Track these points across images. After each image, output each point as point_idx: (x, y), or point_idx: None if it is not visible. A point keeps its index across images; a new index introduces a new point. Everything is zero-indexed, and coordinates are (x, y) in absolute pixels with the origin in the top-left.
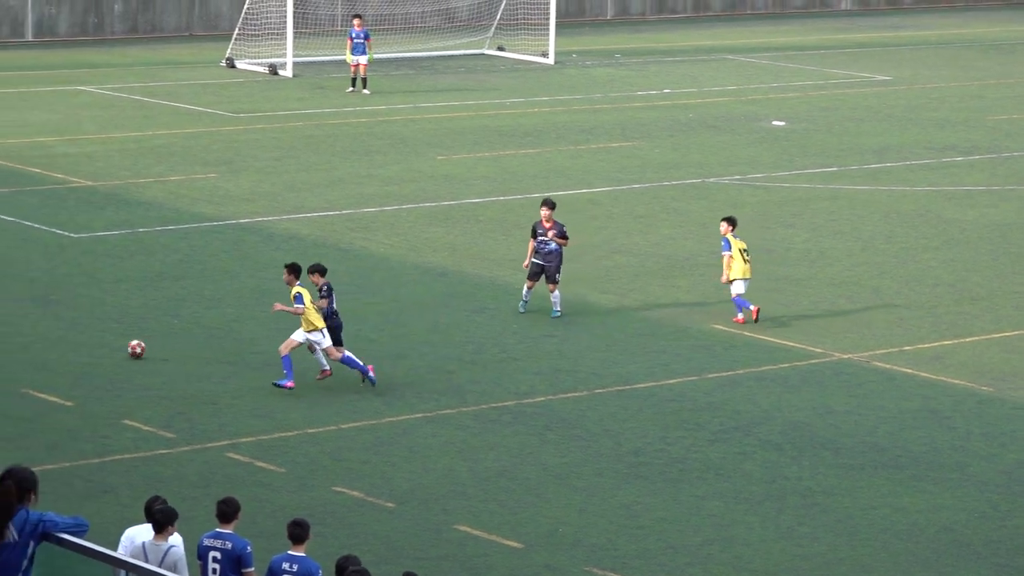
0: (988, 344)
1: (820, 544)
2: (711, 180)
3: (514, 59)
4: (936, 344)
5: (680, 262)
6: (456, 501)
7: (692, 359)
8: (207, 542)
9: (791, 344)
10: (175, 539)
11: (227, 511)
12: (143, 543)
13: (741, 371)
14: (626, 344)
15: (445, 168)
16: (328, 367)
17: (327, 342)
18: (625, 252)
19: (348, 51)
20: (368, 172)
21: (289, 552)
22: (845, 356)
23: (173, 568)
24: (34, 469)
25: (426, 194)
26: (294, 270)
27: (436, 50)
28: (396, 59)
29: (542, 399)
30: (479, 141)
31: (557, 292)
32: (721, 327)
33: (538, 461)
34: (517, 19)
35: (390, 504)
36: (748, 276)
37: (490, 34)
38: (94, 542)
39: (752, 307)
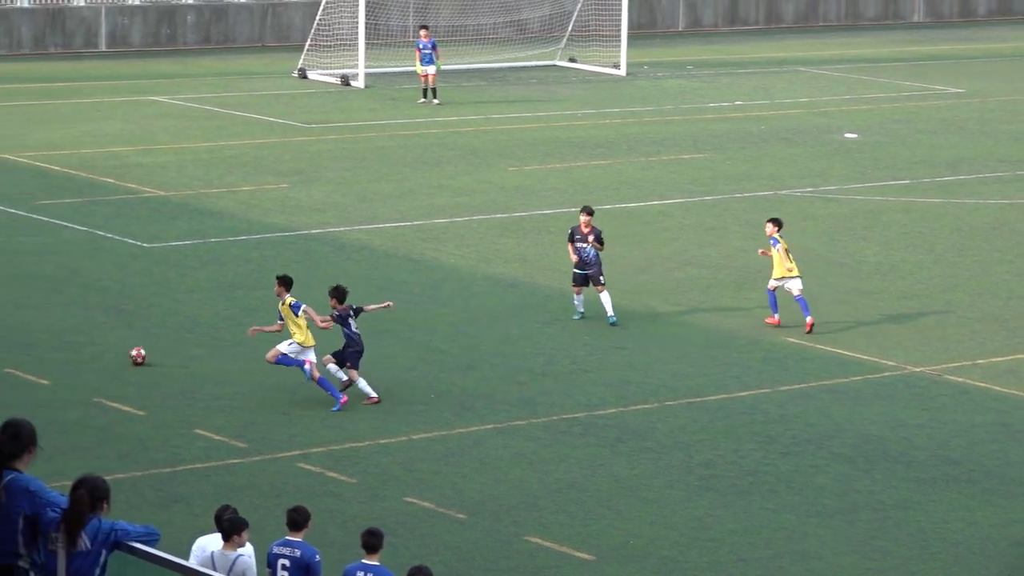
0: None
1: (892, 558)
2: (783, 192)
3: (586, 70)
4: (1010, 357)
5: (752, 274)
6: (527, 512)
7: (764, 371)
8: (276, 550)
9: (863, 357)
10: (245, 548)
11: (297, 519)
12: (212, 552)
13: (813, 384)
14: (697, 356)
15: (516, 179)
16: (374, 394)
17: (306, 355)
18: (696, 264)
19: (417, 62)
20: (439, 183)
21: (363, 561)
22: (917, 369)
23: None
24: (106, 478)
25: (497, 205)
26: (284, 282)
27: (507, 61)
28: (467, 70)
29: (613, 411)
30: (550, 152)
31: (606, 294)
32: (793, 339)
33: (609, 473)
34: (589, 30)
35: (461, 515)
36: (787, 276)
37: (562, 45)
38: (165, 551)
39: (808, 317)
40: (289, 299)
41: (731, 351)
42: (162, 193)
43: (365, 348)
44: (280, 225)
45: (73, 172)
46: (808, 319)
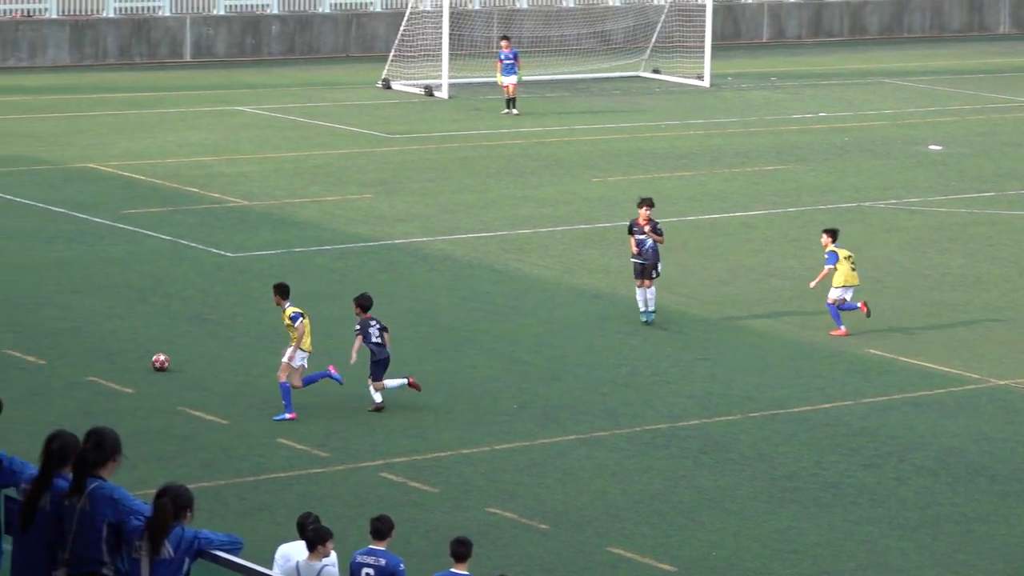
0: None
1: (976, 572)
2: (867, 204)
3: (669, 81)
4: None
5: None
6: (609, 523)
7: (847, 383)
8: (360, 559)
9: (946, 370)
10: (330, 558)
11: (381, 528)
12: (297, 563)
13: (896, 396)
14: (781, 367)
15: (600, 190)
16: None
17: (300, 362)
18: (780, 275)
19: (498, 72)
20: (523, 193)
21: (451, 570)
22: (1002, 382)
23: None
24: (190, 487)
25: (580, 216)
26: (280, 290)
27: (591, 72)
28: (551, 81)
29: (696, 422)
30: (633, 163)
31: (652, 290)
32: (876, 351)
33: (692, 484)
34: (673, 41)
35: (544, 525)
36: (855, 283)
37: (645, 56)
38: (248, 560)
39: (859, 304)
40: (289, 309)
41: (814, 363)
42: (246, 203)
43: (391, 358)
44: (364, 235)
45: (158, 181)
46: (842, 328)
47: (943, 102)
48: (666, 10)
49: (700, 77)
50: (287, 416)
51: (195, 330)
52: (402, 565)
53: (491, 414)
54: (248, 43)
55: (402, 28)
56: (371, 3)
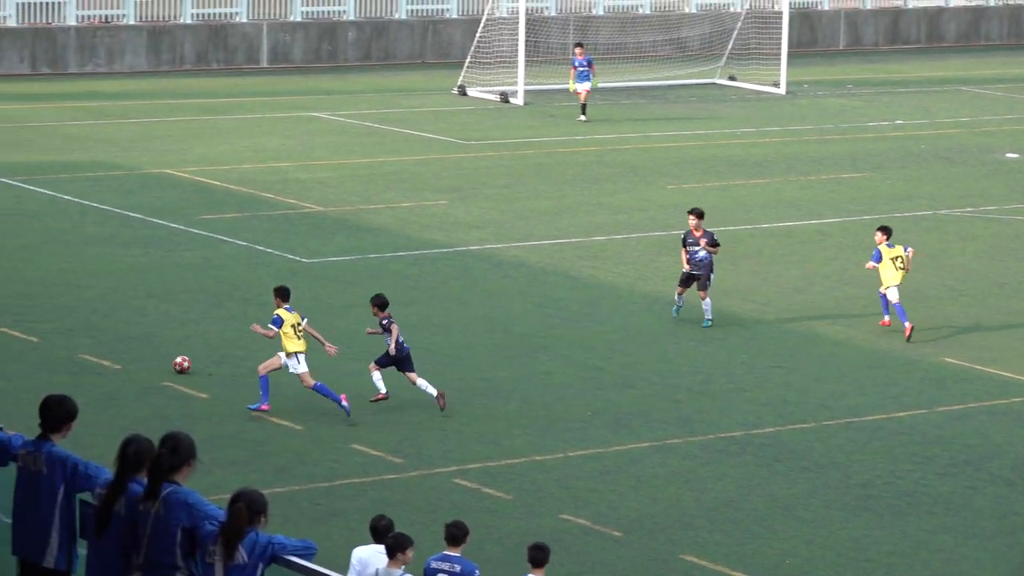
0: None
1: None
2: (943, 212)
3: (745, 89)
4: None
5: (910, 293)
6: (683, 531)
7: (922, 392)
8: (435, 564)
9: (1023, 378)
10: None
11: (456, 534)
12: (377, 570)
13: (972, 404)
14: (855, 376)
15: (675, 197)
16: (384, 390)
17: (302, 368)
18: (855, 284)
19: (571, 79)
20: (598, 200)
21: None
22: None
23: None
24: (264, 492)
25: (655, 223)
26: (278, 293)
27: (667, 79)
28: (627, 88)
29: (770, 430)
30: (708, 170)
31: (708, 300)
32: (952, 360)
33: (766, 492)
34: (749, 49)
35: (617, 533)
36: (898, 282)
37: (721, 63)
38: (322, 565)
39: (907, 324)
40: (279, 311)
41: (890, 371)
42: (321, 209)
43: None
44: (438, 241)
45: (233, 187)
46: (907, 324)
47: (1020, 110)
48: (742, 17)
49: (776, 84)
50: (261, 407)
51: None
52: (477, 571)
53: (564, 421)
54: (324, 49)
55: (478, 34)
56: (447, 9)
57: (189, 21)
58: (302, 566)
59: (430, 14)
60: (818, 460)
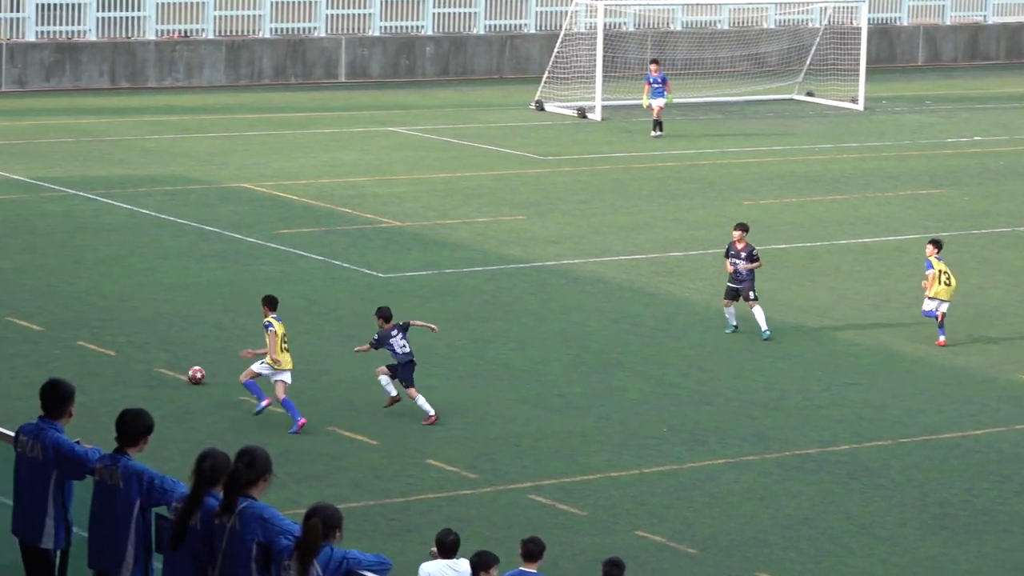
0: None
1: None
2: (1021, 229)
3: (823, 104)
4: None
5: (988, 311)
6: (757, 548)
7: (1000, 409)
8: None
9: None
10: None
11: (533, 550)
12: None
13: None
14: (932, 393)
15: (752, 213)
16: (395, 392)
17: (282, 377)
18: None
19: (645, 95)
20: (675, 216)
21: None
22: None
23: None
24: (339, 507)
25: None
26: (267, 302)
27: (745, 95)
28: (704, 103)
29: (846, 447)
30: (786, 186)
31: (758, 308)
32: None
33: (841, 510)
34: (827, 64)
35: (691, 550)
36: (946, 298)
37: (799, 79)
38: None
39: (940, 339)
40: (268, 319)
41: (966, 389)
42: (398, 223)
43: (417, 362)
44: (515, 257)
45: (311, 202)
46: (941, 339)
47: None
48: (821, 32)
49: (854, 100)
50: (262, 403)
51: (346, 350)
52: None
53: (640, 437)
54: (402, 64)
55: (556, 50)
56: (525, 25)
57: (268, 36)
58: None
59: (508, 29)
60: (894, 478)
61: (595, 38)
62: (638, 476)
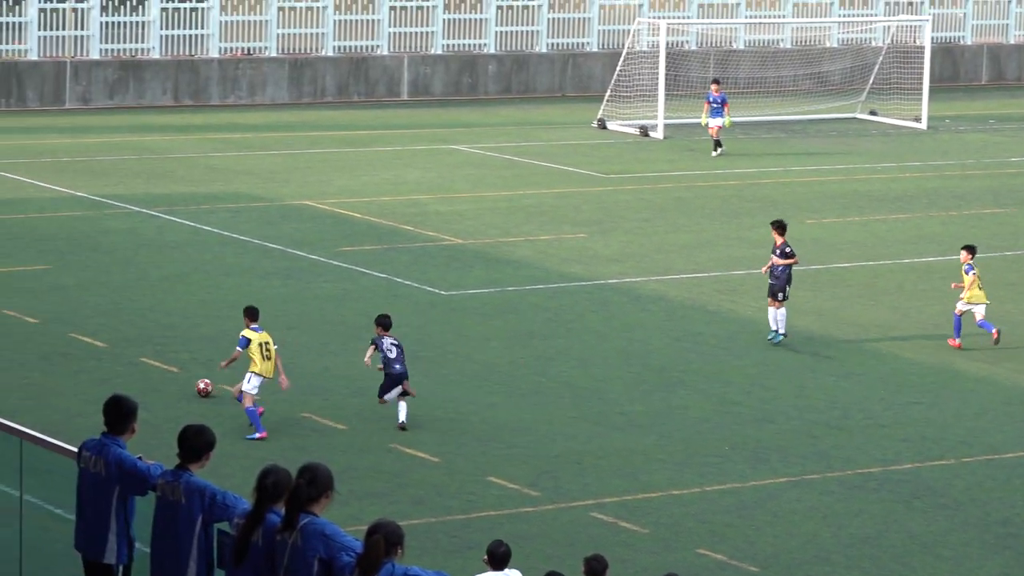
0: None
1: None
2: None
3: (886, 123)
4: None
5: None
6: (820, 567)
7: None
8: None
9: None
10: None
11: (597, 568)
12: None
13: None
14: (996, 413)
15: (814, 232)
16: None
17: (250, 386)
18: (996, 320)
19: (704, 114)
20: (737, 235)
21: None
22: None
23: None
24: (401, 523)
25: None
26: (247, 313)
27: (807, 113)
28: (767, 122)
29: (909, 466)
30: (848, 205)
31: (775, 311)
32: None
33: (904, 529)
34: (890, 83)
35: (753, 568)
36: (984, 301)
37: (862, 98)
38: None
39: (993, 329)
40: (246, 331)
41: None
42: (460, 241)
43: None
44: (577, 275)
45: (373, 219)
46: (993, 331)
47: None
48: (884, 51)
49: (917, 119)
50: (258, 435)
51: (409, 368)
52: None
53: (702, 455)
54: (465, 82)
55: (618, 68)
56: (588, 43)
57: (331, 53)
58: None
59: (570, 47)
60: (957, 497)
61: (657, 56)
62: (700, 494)
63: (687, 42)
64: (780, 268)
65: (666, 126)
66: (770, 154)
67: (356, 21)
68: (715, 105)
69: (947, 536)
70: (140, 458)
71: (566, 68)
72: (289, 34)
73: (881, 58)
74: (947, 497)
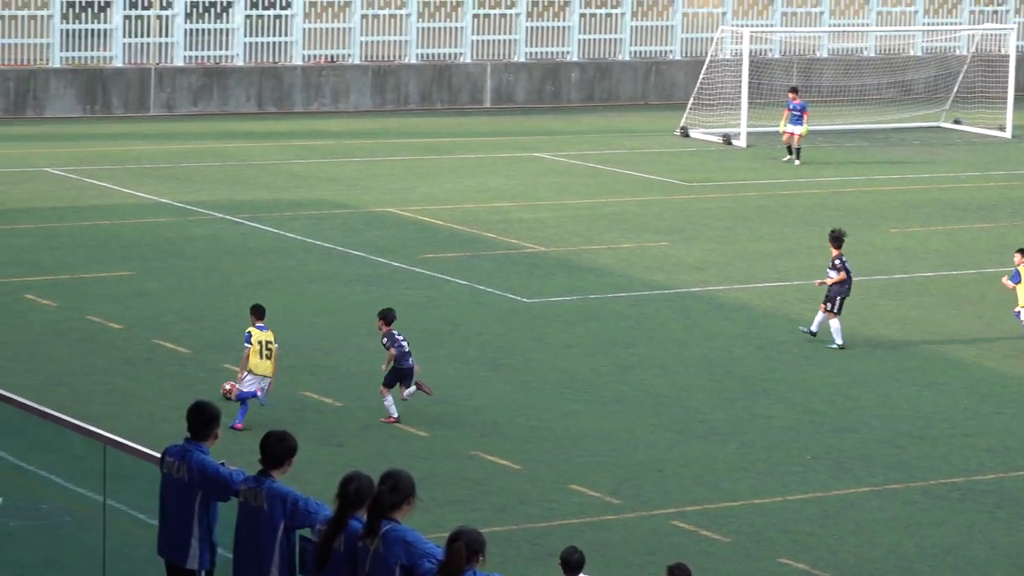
0: None
1: None
2: None
3: (970, 132)
4: None
5: None
6: None
7: None
8: None
9: None
10: None
11: None
12: None
13: None
14: None
15: (897, 241)
16: (395, 415)
17: (246, 381)
18: None
19: (784, 121)
20: (819, 243)
21: None
22: None
23: None
24: (482, 531)
25: (877, 267)
26: (254, 311)
27: (891, 122)
28: (850, 131)
29: (992, 476)
30: (932, 215)
31: (822, 318)
32: None
33: (987, 539)
34: (974, 92)
35: None
36: None
37: (946, 107)
38: None
39: None
40: (249, 329)
41: None
42: (542, 249)
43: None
44: (659, 283)
45: (456, 227)
46: None
47: None
48: (968, 60)
49: (1002, 128)
50: (237, 424)
51: (490, 375)
52: None
53: (784, 464)
54: (547, 90)
55: (701, 76)
56: (671, 51)
57: (414, 61)
58: None
59: (653, 55)
60: None
61: (740, 65)
62: (782, 503)
63: (770, 50)
64: (841, 280)
65: (749, 134)
66: (853, 163)
67: (440, 29)
68: (795, 113)
69: None
70: (223, 464)
71: (649, 76)
72: (373, 41)
73: (965, 67)
74: None
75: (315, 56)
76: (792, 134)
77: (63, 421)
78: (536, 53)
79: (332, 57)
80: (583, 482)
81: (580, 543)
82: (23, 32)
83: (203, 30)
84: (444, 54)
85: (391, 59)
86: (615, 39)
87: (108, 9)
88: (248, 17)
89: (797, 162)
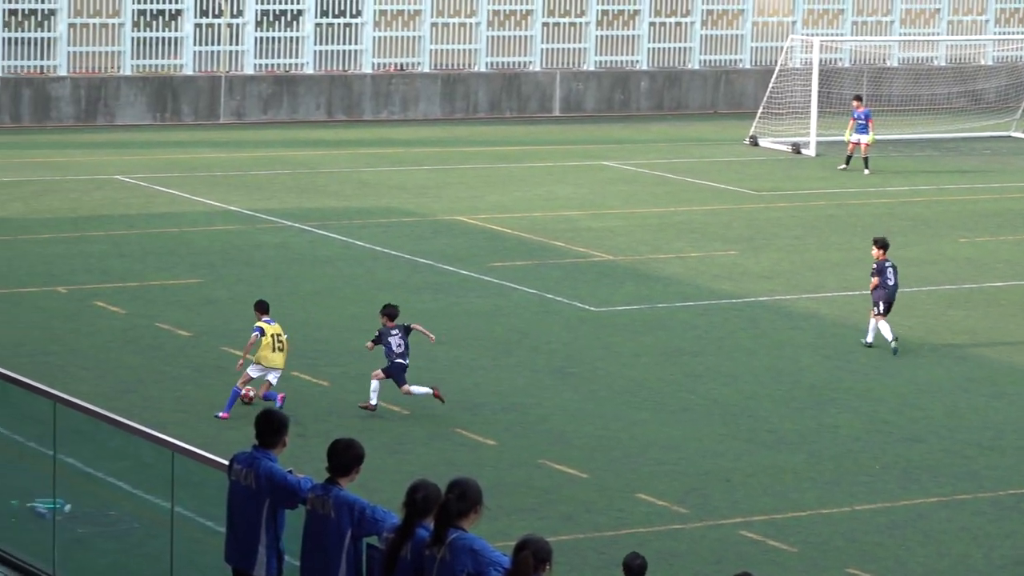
0: None
1: None
2: None
3: None
4: None
5: None
6: None
7: None
8: None
9: None
10: None
11: None
12: None
13: None
14: None
15: (967, 251)
16: (374, 402)
17: (255, 373)
18: None
19: (849, 130)
20: (889, 253)
21: None
22: None
23: None
24: (549, 540)
25: (946, 276)
26: (258, 307)
27: (961, 131)
28: (920, 140)
29: None
30: (1003, 224)
31: (876, 323)
32: None
33: None
34: None
35: None
36: None
37: (1017, 116)
38: None
39: None
40: (256, 324)
41: None
42: (611, 257)
43: (409, 364)
44: (727, 292)
45: (524, 235)
46: None
47: None
48: None
49: None
50: (223, 414)
51: (557, 383)
52: None
53: (852, 474)
54: (617, 98)
55: (771, 85)
56: (741, 60)
57: (483, 69)
58: None
59: (723, 64)
60: None
61: (810, 74)
62: (849, 513)
63: (840, 59)
64: (888, 285)
65: (818, 143)
66: (923, 172)
67: (509, 37)
68: (860, 121)
69: None
70: (291, 472)
71: (719, 85)
72: (442, 50)
73: None
74: None
75: (385, 64)
76: (859, 143)
77: (132, 428)
78: (605, 62)
79: (402, 65)
80: (650, 491)
81: (647, 552)
82: (94, 40)
83: (273, 38)
84: (513, 63)
85: (460, 67)
86: (685, 48)
87: (179, 17)
88: (318, 25)
89: (866, 171)
